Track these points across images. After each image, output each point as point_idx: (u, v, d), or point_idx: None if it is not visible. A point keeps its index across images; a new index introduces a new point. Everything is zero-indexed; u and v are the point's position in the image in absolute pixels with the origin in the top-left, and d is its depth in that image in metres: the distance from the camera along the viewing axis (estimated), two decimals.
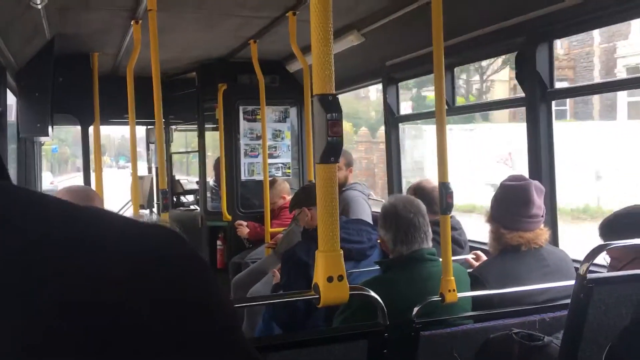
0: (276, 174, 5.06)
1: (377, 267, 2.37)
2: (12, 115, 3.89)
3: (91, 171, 4.65)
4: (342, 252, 1.41)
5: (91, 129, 4.44)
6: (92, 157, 4.64)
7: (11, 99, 3.79)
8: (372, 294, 1.56)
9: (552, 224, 2.54)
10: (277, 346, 1.45)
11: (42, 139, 5.53)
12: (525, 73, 2.65)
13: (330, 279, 1.37)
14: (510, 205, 2.19)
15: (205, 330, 0.35)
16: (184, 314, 0.35)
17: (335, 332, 1.66)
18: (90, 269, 0.32)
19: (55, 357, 0.30)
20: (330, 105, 1.33)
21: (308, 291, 1.43)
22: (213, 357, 0.35)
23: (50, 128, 3.98)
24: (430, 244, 2.13)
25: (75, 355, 0.30)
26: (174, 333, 0.33)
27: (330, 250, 1.39)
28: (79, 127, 4.74)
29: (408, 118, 4.14)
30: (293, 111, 5.28)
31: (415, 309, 1.84)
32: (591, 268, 1.66)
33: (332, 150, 1.33)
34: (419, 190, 2.97)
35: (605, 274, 1.88)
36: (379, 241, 2.93)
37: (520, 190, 2.18)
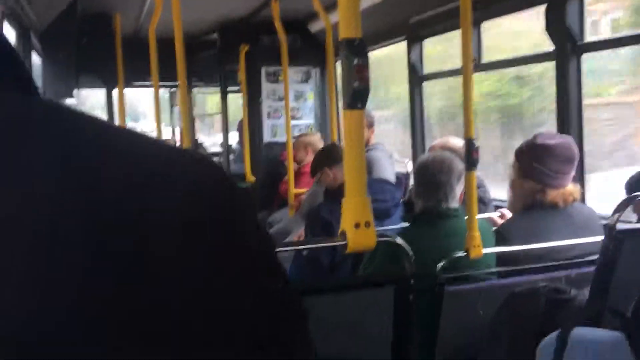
0: None
1: (401, 225, 2.38)
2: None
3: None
4: (369, 198, 1.42)
5: (115, 91, 4.48)
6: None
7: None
8: (399, 240, 1.56)
9: (580, 181, 2.50)
10: (305, 292, 1.47)
11: (67, 101, 5.59)
12: (555, 26, 2.57)
13: (357, 225, 1.38)
14: (556, 162, 2.15)
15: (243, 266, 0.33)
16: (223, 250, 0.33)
17: (362, 278, 1.68)
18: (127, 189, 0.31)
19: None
20: (357, 49, 1.31)
21: (335, 238, 1.44)
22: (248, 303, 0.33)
23: (75, 90, 4.02)
24: (456, 203, 2.12)
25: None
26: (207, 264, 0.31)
27: (357, 196, 1.40)
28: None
29: (433, 76, 4.06)
30: (316, 72, 5.23)
31: (440, 264, 1.84)
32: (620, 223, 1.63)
33: (359, 96, 1.32)
34: (447, 149, 2.95)
35: (636, 225, 1.85)
36: (402, 200, 2.93)
37: (566, 147, 2.16)
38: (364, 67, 1.30)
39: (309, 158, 4.33)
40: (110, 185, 0.30)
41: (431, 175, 2.09)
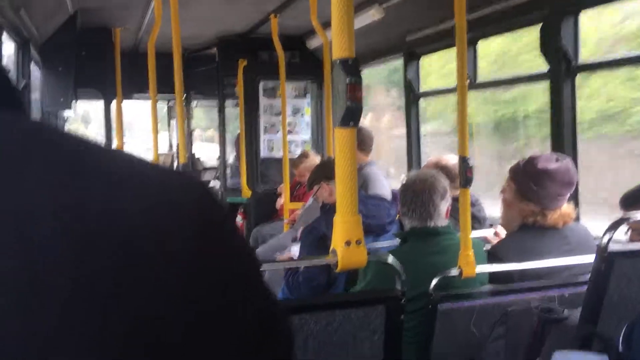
0: (295, 151, 5.07)
1: (396, 241, 2.37)
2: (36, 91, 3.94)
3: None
4: (360, 217, 1.42)
5: (114, 103, 4.49)
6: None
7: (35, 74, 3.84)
8: (390, 258, 1.56)
9: (575, 199, 2.50)
10: (296, 309, 1.47)
11: (66, 113, 5.60)
12: (550, 46, 2.59)
13: (348, 243, 1.38)
14: (556, 186, 2.14)
15: (221, 279, 0.34)
16: (198, 260, 0.33)
17: (353, 296, 1.68)
18: (106, 204, 0.31)
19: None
20: (350, 68, 1.32)
21: (326, 255, 1.44)
22: (227, 313, 0.33)
23: (73, 102, 4.03)
24: (443, 220, 2.12)
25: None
26: (183, 274, 0.32)
27: (348, 214, 1.40)
28: None
29: (429, 94, 4.09)
30: (313, 88, 5.26)
31: (434, 282, 1.84)
32: (612, 244, 1.63)
33: (352, 115, 1.33)
34: (440, 166, 2.95)
35: (627, 246, 1.85)
36: (398, 217, 2.93)
37: (566, 171, 2.15)
38: (357, 86, 1.31)
39: None
40: (93, 205, 0.31)
41: (414, 195, 2.10)
